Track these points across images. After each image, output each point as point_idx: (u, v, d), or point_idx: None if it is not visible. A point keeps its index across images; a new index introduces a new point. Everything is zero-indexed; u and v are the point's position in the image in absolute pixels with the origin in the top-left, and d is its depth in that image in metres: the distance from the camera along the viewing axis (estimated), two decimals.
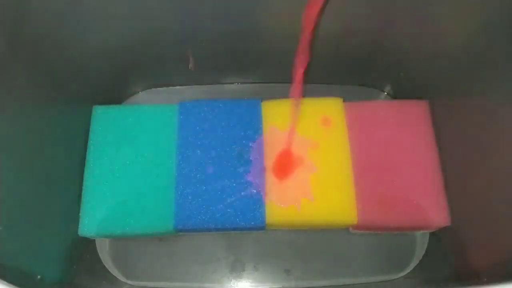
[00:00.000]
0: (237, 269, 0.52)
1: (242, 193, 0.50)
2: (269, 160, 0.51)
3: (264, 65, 0.59)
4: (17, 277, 0.38)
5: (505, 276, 0.34)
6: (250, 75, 0.61)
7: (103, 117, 0.53)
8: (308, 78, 0.61)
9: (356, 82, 0.62)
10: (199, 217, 0.49)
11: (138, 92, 0.62)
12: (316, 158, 0.51)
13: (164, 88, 0.62)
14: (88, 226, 0.49)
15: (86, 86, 0.55)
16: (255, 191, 0.50)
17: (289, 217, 0.49)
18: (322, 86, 0.61)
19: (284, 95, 0.60)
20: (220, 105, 0.54)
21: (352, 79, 0.62)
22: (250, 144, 0.52)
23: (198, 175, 0.51)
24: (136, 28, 0.51)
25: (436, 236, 0.53)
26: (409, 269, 0.52)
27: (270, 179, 0.51)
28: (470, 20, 0.45)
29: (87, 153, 0.52)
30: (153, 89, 0.62)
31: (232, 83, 0.62)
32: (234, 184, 0.50)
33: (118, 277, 0.52)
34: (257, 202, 0.49)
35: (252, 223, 0.49)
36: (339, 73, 0.61)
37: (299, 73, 0.47)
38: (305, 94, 0.60)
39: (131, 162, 0.51)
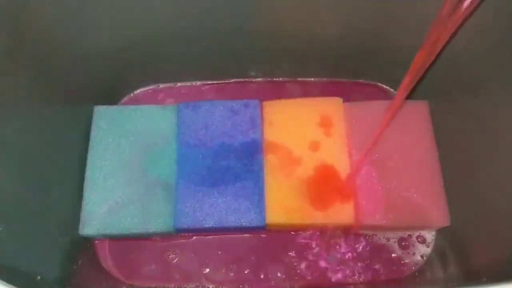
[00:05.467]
0: (238, 269, 0.52)
1: (242, 193, 0.50)
2: (269, 161, 0.51)
3: (264, 64, 0.59)
4: (17, 277, 0.38)
5: (505, 276, 0.34)
6: (250, 74, 0.61)
7: (103, 117, 0.53)
8: (308, 77, 0.62)
9: (356, 82, 0.62)
10: (199, 217, 0.49)
11: (138, 91, 0.62)
12: (316, 158, 0.51)
13: (164, 88, 0.62)
14: (88, 225, 0.49)
15: (86, 86, 0.55)
16: (254, 191, 0.50)
17: (289, 218, 0.49)
18: (322, 86, 0.62)
19: (284, 95, 0.60)
20: (220, 105, 0.54)
21: (352, 79, 0.62)
22: (250, 144, 0.52)
23: (198, 175, 0.51)
24: (136, 28, 0.51)
25: (437, 236, 0.53)
26: (409, 269, 0.52)
27: (270, 179, 0.51)
28: (471, 20, 0.45)
29: (87, 153, 0.52)
30: (153, 88, 0.62)
31: (232, 82, 0.62)
32: (233, 184, 0.50)
33: (118, 277, 0.52)
34: (257, 202, 0.49)
35: (252, 223, 0.49)
36: (339, 73, 0.61)
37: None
38: (305, 93, 0.60)
39: (131, 162, 0.51)
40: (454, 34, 0.46)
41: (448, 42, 0.49)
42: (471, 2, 0.33)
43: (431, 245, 0.53)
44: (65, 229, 0.49)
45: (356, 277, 0.52)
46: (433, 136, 0.53)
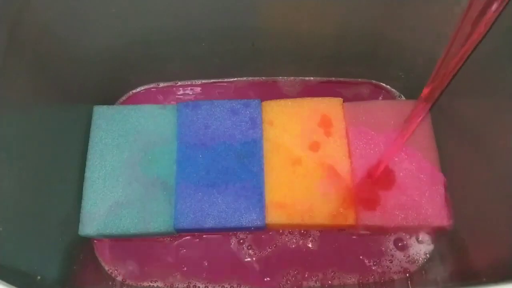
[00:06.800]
0: (238, 268, 0.52)
1: (242, 193, 0.50)
2: (269, 161, 0.51)
3: (264, 63, 0.59)
4: (17, 277, 0.38)
5: (505, 276, 0.34)
6: (251, 74, 0.61)
7: (103, 117, 0.53)
8: (308, 77, 0.62)
9: (356, 82, 0.62)
10: (198, 217, 0.49)
11: (138, 91, 0.62)
12: (316, 158, 0.51)
13: (164, 88, 0.62)
14: (88, 226, 0.49)
15: (86, 86, 0.55)
16: (255, 191, 0.50)
17: (289, 218, 0.49)
18: (322, 86, 0.62)
19: (284, 95, 0.60)
20: (220, 105, 0.54)
21: (352, 79, 0.62)
22: (250, 144, 0.52)
23: (197, 175, 0.51)
24: (136, 27, 0.51)
25: (437, 236, 0.53)
26: (409, 270, 0.52)
27: (270, 179, 0.51)
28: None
29: (87, 153, 0.52)
30: (152, 88, 0.62)
31: (232, 81, 0.62)
32: (233, 184, 0.50)
33: (117, 277, 0.52)
34: (257, 202, 0.49)
35: (252, 223, 0.49)
36: (339, 73, 0.61)
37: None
38: (305, 93, 0.60)
39: (131, 162, 0.51)
40: (454, 34, 0.46)
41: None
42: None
43: (431, 245, 0.53)
44: (65, 229, 0.49)
45: (356, 277, 0.52)
46: (433, 136, 0.53)
